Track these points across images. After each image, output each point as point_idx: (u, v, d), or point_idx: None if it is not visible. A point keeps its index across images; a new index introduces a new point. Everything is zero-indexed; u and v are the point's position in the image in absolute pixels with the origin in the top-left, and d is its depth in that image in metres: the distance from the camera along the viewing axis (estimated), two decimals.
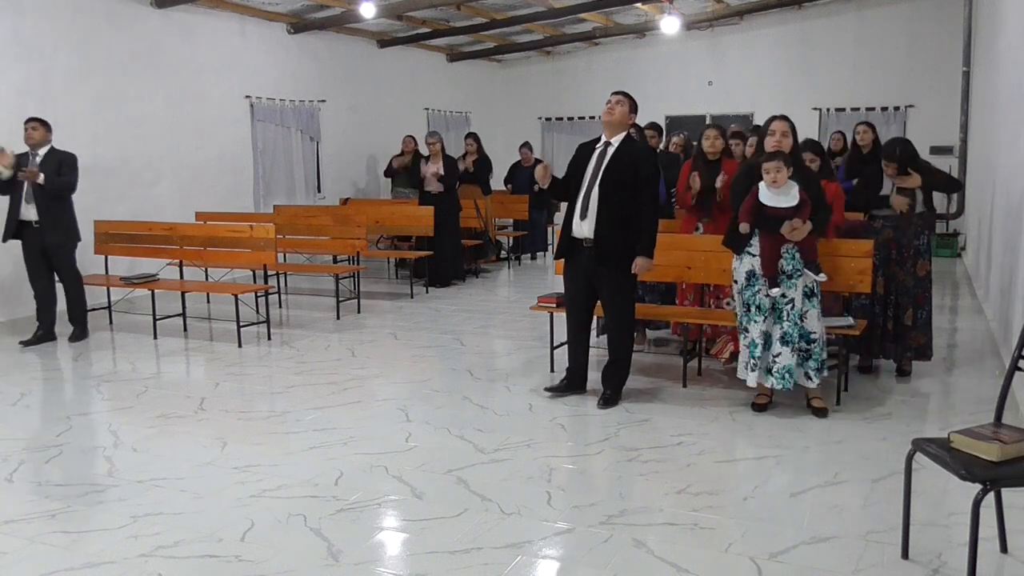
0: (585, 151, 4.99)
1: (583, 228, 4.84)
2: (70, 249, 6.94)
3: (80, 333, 6.99)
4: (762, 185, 4.61)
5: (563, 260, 5.08)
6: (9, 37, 7.85)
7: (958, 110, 11.14)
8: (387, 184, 12.03)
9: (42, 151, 6.76)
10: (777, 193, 4.56)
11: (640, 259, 4.80)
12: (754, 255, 4.69)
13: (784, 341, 4.63)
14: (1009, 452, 2.62)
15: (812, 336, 4.68)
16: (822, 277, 4.66)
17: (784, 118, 4.82)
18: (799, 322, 4.65)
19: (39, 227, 6.72)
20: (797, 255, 4.62)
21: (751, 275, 4.70)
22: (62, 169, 6.71)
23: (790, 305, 4.62)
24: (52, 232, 6.75)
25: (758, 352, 4.69)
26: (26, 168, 6.61)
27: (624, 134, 4.89)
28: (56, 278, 7.00)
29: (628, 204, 4.77)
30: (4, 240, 6.83)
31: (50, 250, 6.81)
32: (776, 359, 4.66)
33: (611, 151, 4.84)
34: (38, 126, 6.76)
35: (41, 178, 6.59)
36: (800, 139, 5.00)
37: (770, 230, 4.59)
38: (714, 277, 5.53)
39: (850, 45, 13.40)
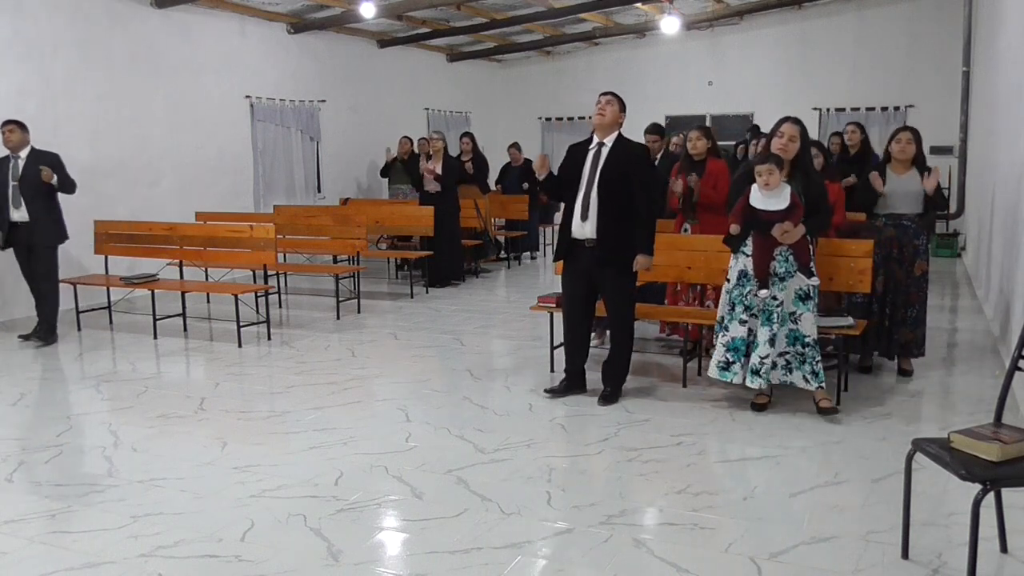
0: (578, 152, 5.01)
1: (585, 229, 4.87)
2: (55, 247, 6.88)
3: (46, 333, 6.77)
4: (755, 187, 4.60)
5: (563, 262, 5.09)
6: (9, 37, 7.86)
7: (958, 110, 11.14)
8: (387, 184, 12.04)
9: (23, 153, 6.71)
10: (768, 196, 4.55)
11: (641, 256, 4.86)
12: (748, 255, 4.66)
13: (772, 343, 4.60)
14: (1009, 452, 2.62)
15: (807, 339, 4.64)
16: (814, 281, 4.61)
17: (795, 121, 4.69)
18: (788, 324, 4.61)
19: (29, 227, 6.69)
20: (791, 258, 4.58)
21: (743, 275, 4.69)
22: (55, 170, 6.67)
23: (780, 307, 4.60)
24: (44, 231, 6.73)
25: (743, 352, 4.67)
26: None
27: (616, 134, 4.93)
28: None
29: (627, 202, 4.83)
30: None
31: (36, 248, 6.76)
32: (763, 360, 4.61)
33: (605, 151, 4.89)
34: (15, 128, 6.68)
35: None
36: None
37: (761, 232, 4.59)
38: (714, 277, 5.53)
39: (850, 45, 13.40)
